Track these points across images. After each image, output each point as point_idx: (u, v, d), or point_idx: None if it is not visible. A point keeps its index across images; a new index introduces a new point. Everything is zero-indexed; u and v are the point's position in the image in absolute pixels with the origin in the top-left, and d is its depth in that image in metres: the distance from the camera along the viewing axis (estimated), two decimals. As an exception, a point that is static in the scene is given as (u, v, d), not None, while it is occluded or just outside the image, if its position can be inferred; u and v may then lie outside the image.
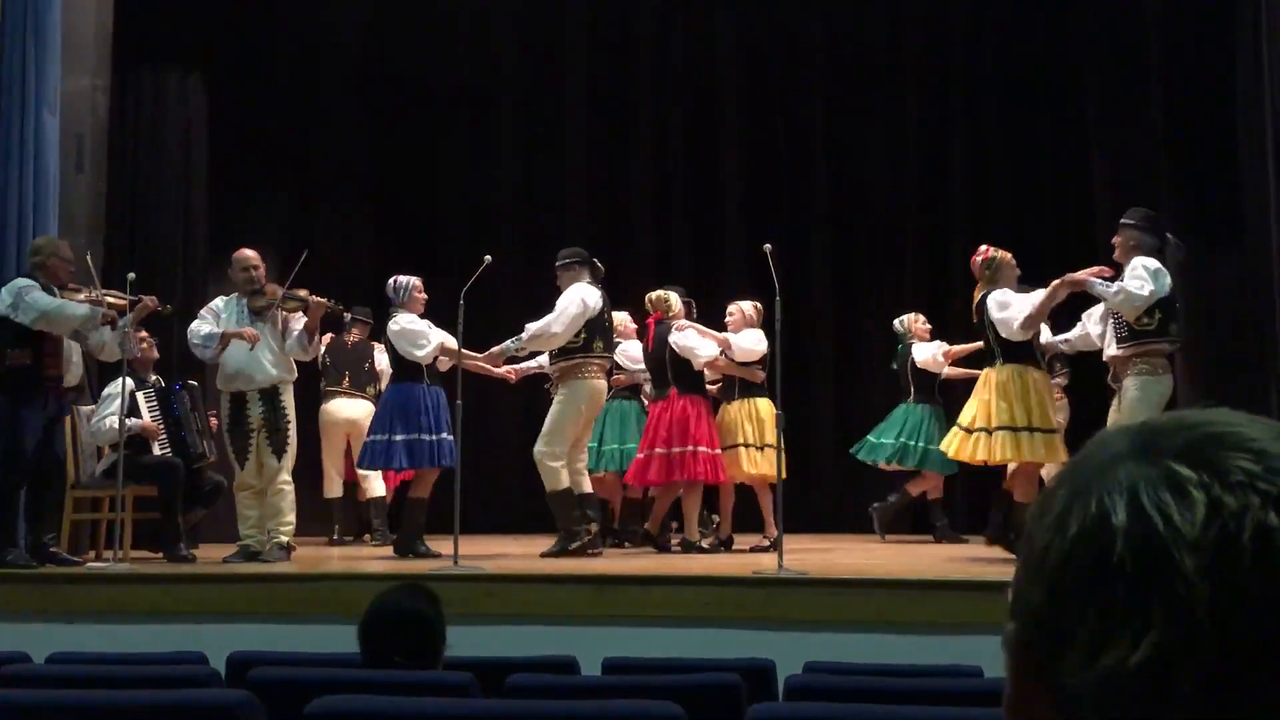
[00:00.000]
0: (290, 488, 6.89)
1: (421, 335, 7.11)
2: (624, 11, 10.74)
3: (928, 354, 8.37)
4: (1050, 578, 0.62)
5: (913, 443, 8.28)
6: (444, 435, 7.10)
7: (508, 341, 7.17)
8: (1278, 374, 7.56)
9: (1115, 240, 6.39)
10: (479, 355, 7.17)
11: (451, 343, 7.00)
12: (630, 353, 8.06)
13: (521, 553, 7.04)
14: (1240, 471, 0.59)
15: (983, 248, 6.70)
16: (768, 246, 6.28)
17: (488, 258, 6.70)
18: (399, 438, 7.08)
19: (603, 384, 7.29)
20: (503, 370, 7.64)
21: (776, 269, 6.18)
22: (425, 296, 7.38)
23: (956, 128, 10.39)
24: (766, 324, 7.51)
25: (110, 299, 6.62)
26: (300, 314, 6.92)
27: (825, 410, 10.06)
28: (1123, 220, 6.38)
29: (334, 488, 8.79)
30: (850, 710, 2.64)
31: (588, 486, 7.25)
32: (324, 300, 6.89)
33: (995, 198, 10.19)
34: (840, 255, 10.43)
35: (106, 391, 7.24)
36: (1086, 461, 0.65)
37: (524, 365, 7.84)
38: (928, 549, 7.97)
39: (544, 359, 7.61)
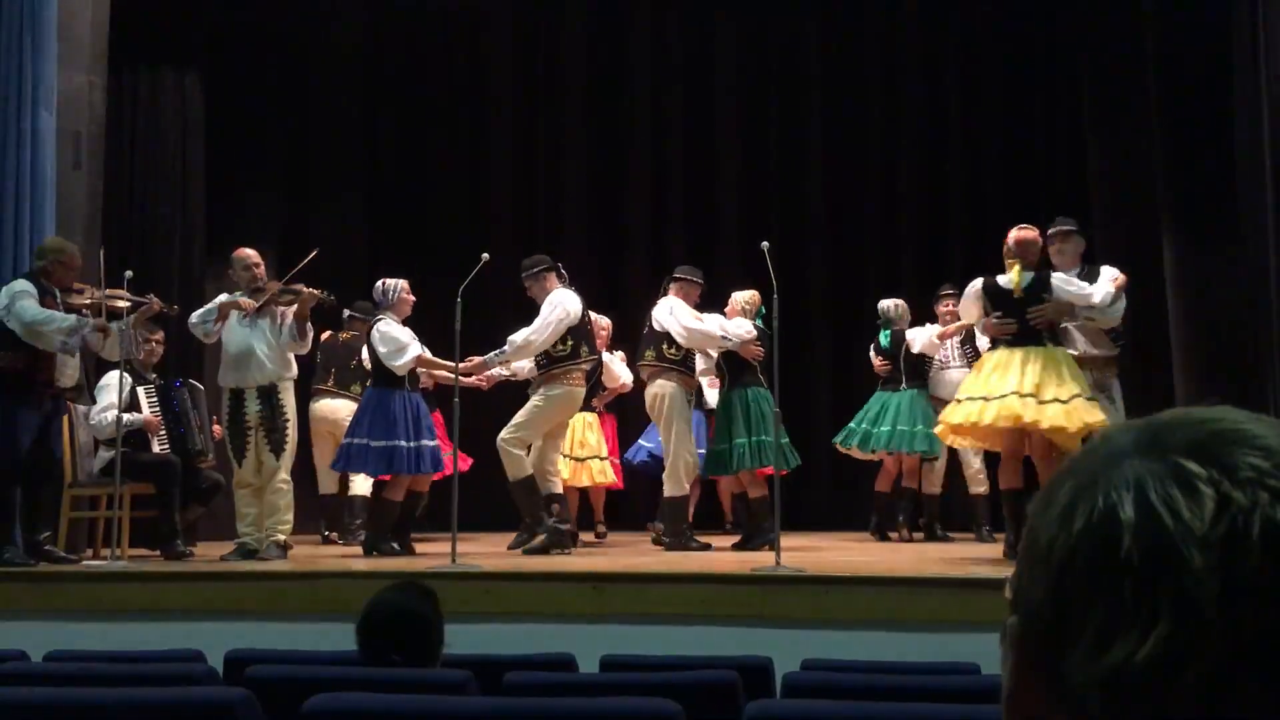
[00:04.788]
0: (289, 486, 6.87)
1: (401, 346, 7.01)
2: (620, 8, 10.74)
3: (925, 338, 8.27)
4: (1055, 572, 0.62)
5: (906, 428, 8.16)
6: (424, 442, 7.02)
7: (491, 353, 7.14)
8: (1275, 371, 7.56)
9: None
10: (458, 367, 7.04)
11: (428, 355, 7.06)
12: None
13: (519, 550, 7.02)
14: (1249, 468, 0.59)
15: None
16: (765, 244, 6.28)
17: (485, 256, 6.69)
18: (376, 444, 6.96)
19: (581, 390, 7.27)
20: (473, 379, 7.46)
21: (774, 266, 6.17)
22: (413, 298, 7.32)
23: (953, 120, 10.40)
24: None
25: (117, 300, 6.60)
26: (294, 307, 6.91)
27: (822, 408, 10.04)
28: None
29: (326, 485, 8.74)
30: (848, 708, 2.63)
31: (557, 488, 7.22)
32: (316, 292, 6.86)
33: (991, 191, 10.19)
34: (837, 251, 10.43)
35: (102, 383, 7.21)
36: (1090, 457, 0.65)
37: (494, 373, 7.61)
38: (924, 547, 7.96)
39: (517, 364, 7.52)
